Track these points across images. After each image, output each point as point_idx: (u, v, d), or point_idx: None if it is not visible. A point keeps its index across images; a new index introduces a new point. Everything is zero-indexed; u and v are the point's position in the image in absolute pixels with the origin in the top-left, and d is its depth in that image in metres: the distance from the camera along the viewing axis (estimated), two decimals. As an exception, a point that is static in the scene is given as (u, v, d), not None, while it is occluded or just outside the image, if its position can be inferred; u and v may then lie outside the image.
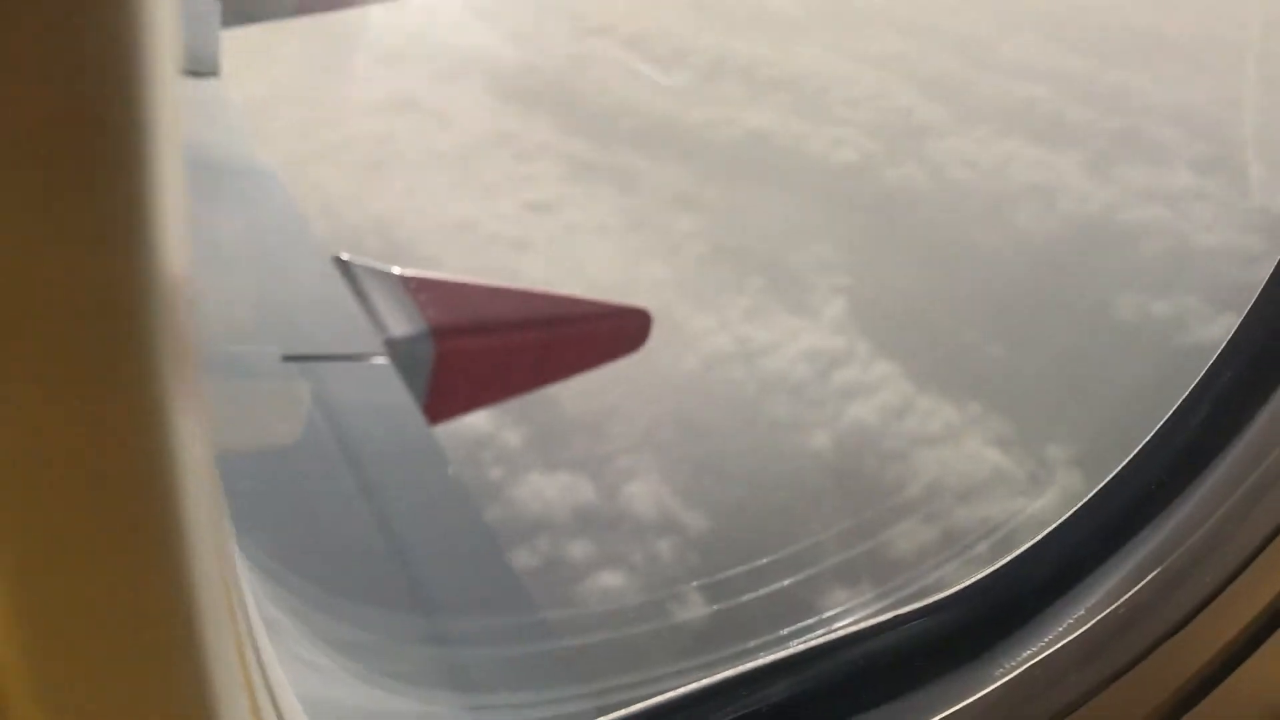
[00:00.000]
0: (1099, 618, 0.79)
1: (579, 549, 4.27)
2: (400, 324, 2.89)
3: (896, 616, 0.87)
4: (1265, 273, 0.82)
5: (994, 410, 5.13)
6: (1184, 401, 0.87)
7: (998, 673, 0.81)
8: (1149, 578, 0.78)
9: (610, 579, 4.15)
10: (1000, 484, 4.72)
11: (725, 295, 6.05)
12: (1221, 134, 8.16)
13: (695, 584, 4.10)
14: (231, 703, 0.43)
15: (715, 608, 3.96)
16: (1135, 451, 0.86)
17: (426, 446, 2.44)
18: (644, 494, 4.54)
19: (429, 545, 2.07)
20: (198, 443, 0.37)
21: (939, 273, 6.56)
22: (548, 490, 4.51)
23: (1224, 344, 0.84)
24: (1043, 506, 4.60)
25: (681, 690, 0.82)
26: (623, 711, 0.80)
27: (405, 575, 1.92)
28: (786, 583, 4.07)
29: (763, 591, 4.03)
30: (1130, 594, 0.78)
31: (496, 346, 3.22)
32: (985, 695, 0.79)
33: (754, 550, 4.36)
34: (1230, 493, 0.78)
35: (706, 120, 8.31)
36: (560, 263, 6.28)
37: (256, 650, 0.49)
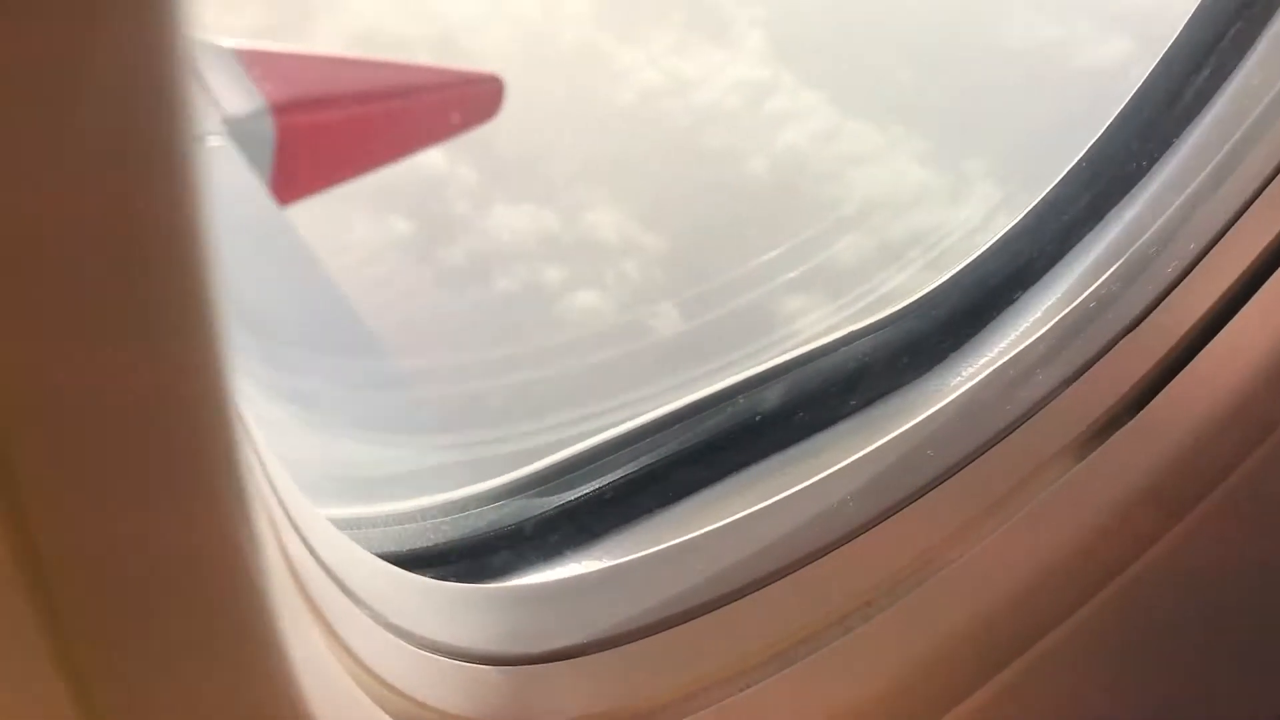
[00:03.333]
0: (1057, 318, 0.78)
1: (554, 273, 4.54)
2: (236, 101, 2.71)
3: (850, 333, 0.87)
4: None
5: (914, 132, 5.49)
6: (1143, 84, 0.86)
7: (955, 382, 0.81)
8: (1107, 273, 0.78)
9: (587, 297, 4.45)
10: (926, 197, 5.13)
11: (647, 29, 6.12)
12: None
13: (666, 299, 4.44)
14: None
15: (689, 320, 4.31)
16: (1086, 149, 0.86)
17: (279, 226, 2.40)
18: (603, 221, 4.79)
19: (288, 319, 2.03)
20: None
21: (844, 3, 6.73)
22: (515, 221, 4.72)
23: (1182, 28, 0.83)
24: (965, 216, 5.05)
25: (637, 421, 0.83)
26: (577, 446, 0.83)
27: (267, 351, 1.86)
28: (749, 294, 4.45)
29: (728, 303, 4.41)
30: (1088, 291, 0.78)
31: (341, 120, 3.07)
32: (944, 406, 0.78)
33: (714, 262, 4.71)
34: (1188, 182, 0.77)
35: None
36: (482, 3, 6.22)
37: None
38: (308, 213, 3.51)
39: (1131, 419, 0.73)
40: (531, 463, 0.91)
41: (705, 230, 4.93)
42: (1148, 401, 0.72)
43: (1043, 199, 0.89)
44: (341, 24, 6.26)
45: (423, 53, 6.22)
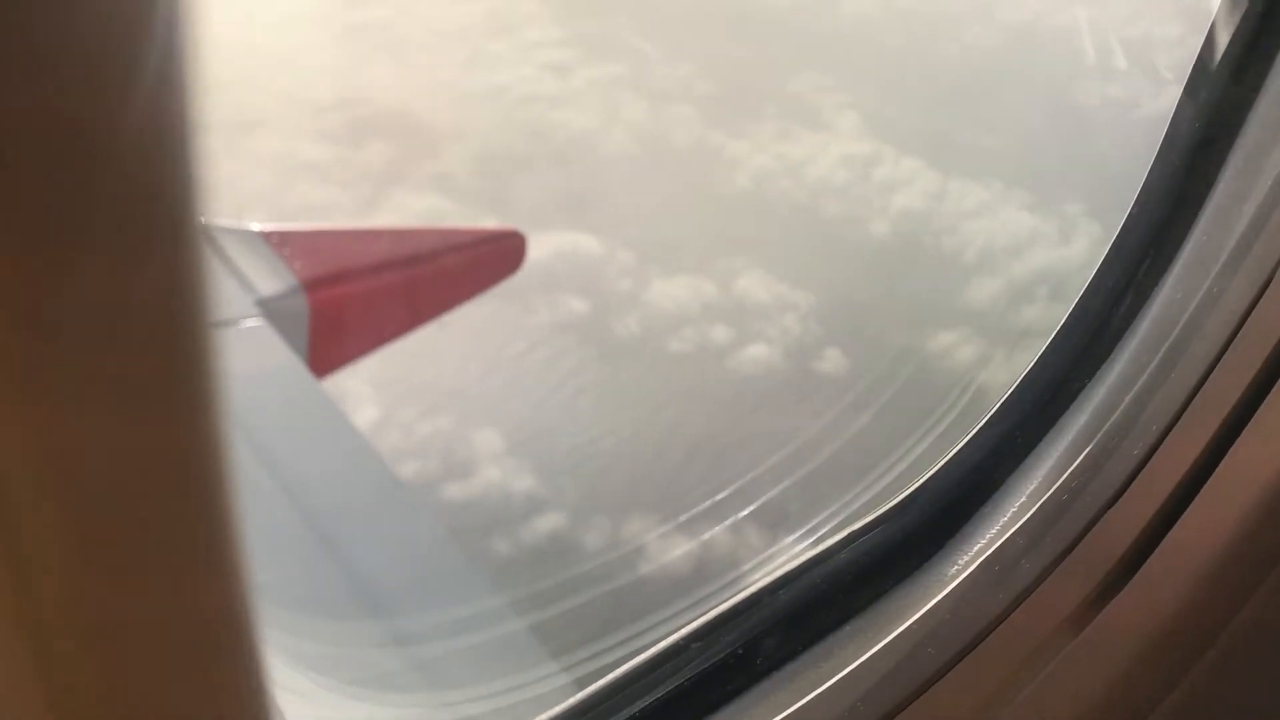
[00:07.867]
0: (1042, 500, 0.80)
1: (720, 333, 5.03)
2: (268, 281, 2.76)
3: (848, 535, 0.89)
4: (1190, 53, 0.86)
5: (1014, 185, 6.01)
6: (1082, 294, 0.90)
7: (952, 571, 0.83)
8: (1083, 454, 0.80)
9: (756, 351, 4.93)
10: (1038, 239, 5.62)
11: (749, 123, 6.73)
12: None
13: (832, 343, 4.91)
14: None
15: (855, 356, 4.77)
16: (1046, 344, 0.90)
17: (320, 402, 2.41)
18: (753, 285, 5.30)
19: (346, 511, 2.01)
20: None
21: (918, 81, 7.34)
22: (675, 291, 5.24)
23: (1118, 229, 0.88)
24: (1077, 251, 5.53)
25: (647, 654, 0.84)
26: (599, 683, 0.83)
27: (333, 555, 1.85)
28: (900, 333, 4.91)
29: (886, 341, 4.86)
30: (1068, 472, 0.80)
31: (372, 289, 3.11)
32: (946, 595, 0.80)
33: (863, 310, 5.19)
34: (1145, 365, 0.81)
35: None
36: (598, 115, 6.85)
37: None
38: (486, 304, 3.98)
39: (1123, 588, 0.75)
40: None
41: (845, 283, 5.43)
42: (1137, 569, 0.75)
43: (1016, 387, 0.94)
44: (466, 150, 6.89)
45: (545, 166, 6.83)
